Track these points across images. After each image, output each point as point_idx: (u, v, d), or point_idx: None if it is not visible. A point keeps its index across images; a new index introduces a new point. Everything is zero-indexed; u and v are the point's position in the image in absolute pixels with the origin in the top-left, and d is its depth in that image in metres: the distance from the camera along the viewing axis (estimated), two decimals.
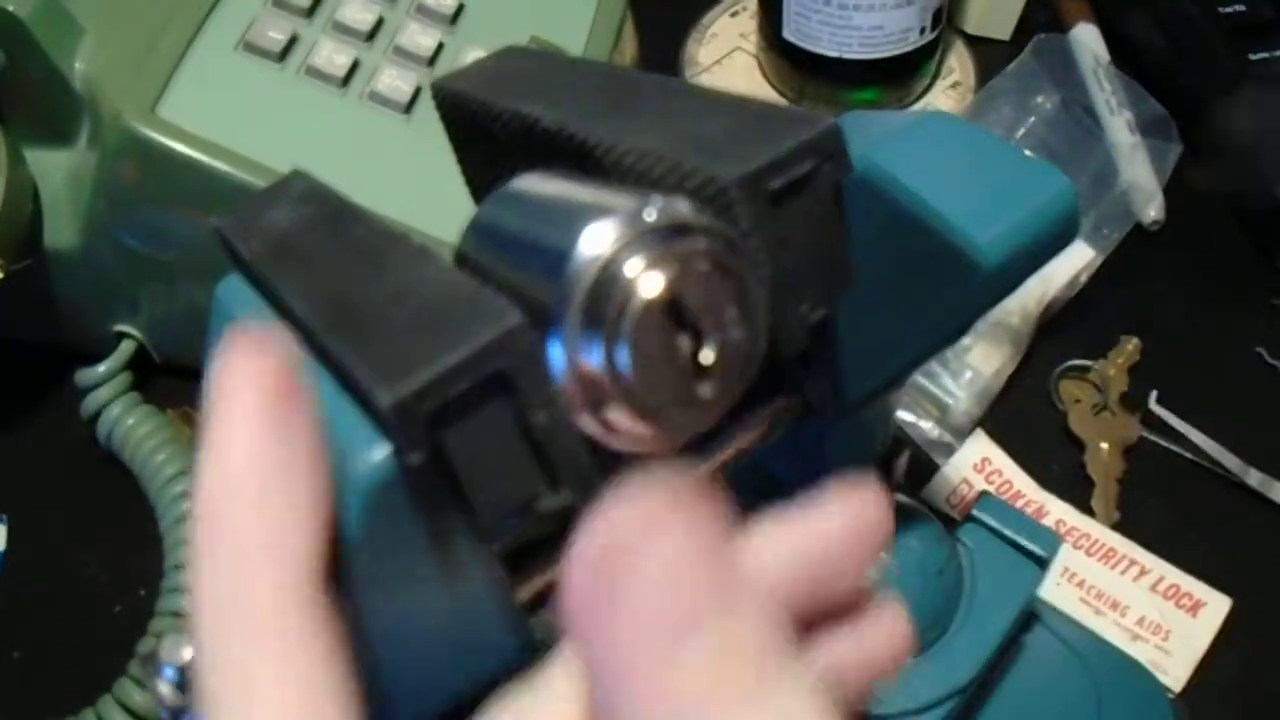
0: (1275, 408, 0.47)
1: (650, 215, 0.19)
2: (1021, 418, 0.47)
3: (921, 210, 0.25)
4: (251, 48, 0.41)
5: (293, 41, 0.42)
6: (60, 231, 0.42)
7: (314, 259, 0.22)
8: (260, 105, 0.41)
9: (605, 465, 0.20)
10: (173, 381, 0.46)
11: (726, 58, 0.59)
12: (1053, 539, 0.35)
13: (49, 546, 0.44)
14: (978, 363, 0.46)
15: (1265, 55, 0.53)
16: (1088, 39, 0.57)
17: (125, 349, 0.44)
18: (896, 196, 0.24)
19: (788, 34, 0.53)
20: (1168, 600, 0.42)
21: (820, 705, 0.14)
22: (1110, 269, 0.50)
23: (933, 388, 0.46)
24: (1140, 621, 0.41)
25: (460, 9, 0.46)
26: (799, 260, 0.20)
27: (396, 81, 0.42)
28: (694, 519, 0.15)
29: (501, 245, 0.22)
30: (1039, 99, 0.54)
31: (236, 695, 0.16)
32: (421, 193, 0.38)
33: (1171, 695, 0.39)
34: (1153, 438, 0.46)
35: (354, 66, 0.42)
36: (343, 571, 0.20)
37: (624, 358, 0.19)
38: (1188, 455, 0.45)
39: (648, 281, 0.18)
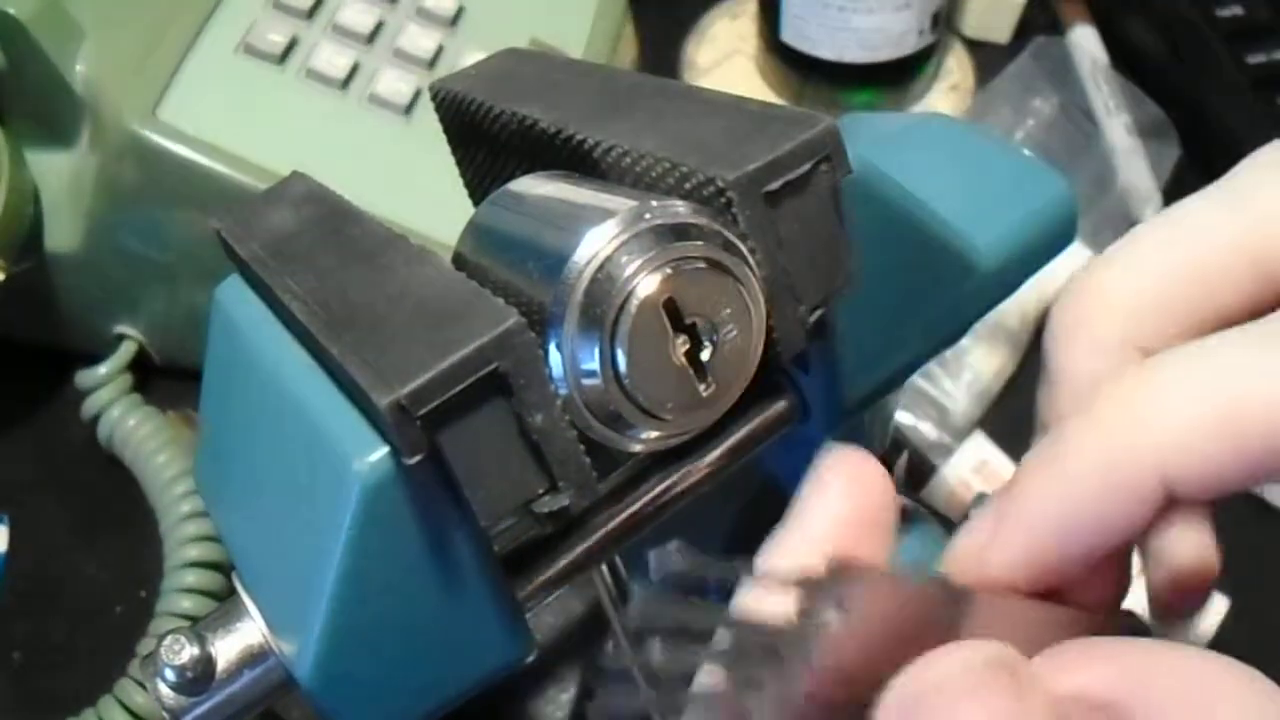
0: None
1: (648, 216, 0.19)
2: (1021, 419, 0.46)
3: (920, 212, 0.25)
4: (252, 50, 0.41)
5: (293, 44, 0.42)
6: (61, 233, 0.42)
7: (313, 261, 0.22)
8: (260, 107, 0.41)
9: (603, 466, 0.20)
10: (173, 383, 0.46)
11: (725, 60, 0.59)
12: None
13: (50, 547, 0.44)
14: (977, 364, 0.46)
15: (1263, 58, 0.53)
16: (1086, 42, 0.57)
17: (126, 350, 0.44)
18: (895, 198, 0.24)
19: (786, 37, 0.53)
20: None
21: None
22: None
23: (932, 389, 0.46)
24: None
25: (460, 11, 0.46)
26: (797, 261, 0.20)
27: (396, 83, 0.43)
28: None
29: (500, 247, 0.22)
30: (1037, 102, 0.54)
31: None
32: (421, 194, 0.38)
33: None
34: None
35: (354, 68, 0.42)
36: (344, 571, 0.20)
37: (622, 358, 0.19)
38: None
39: (645, 283, 0.19)
